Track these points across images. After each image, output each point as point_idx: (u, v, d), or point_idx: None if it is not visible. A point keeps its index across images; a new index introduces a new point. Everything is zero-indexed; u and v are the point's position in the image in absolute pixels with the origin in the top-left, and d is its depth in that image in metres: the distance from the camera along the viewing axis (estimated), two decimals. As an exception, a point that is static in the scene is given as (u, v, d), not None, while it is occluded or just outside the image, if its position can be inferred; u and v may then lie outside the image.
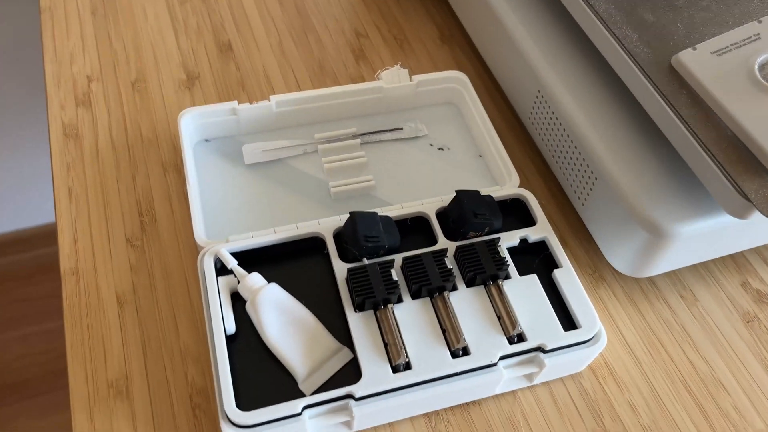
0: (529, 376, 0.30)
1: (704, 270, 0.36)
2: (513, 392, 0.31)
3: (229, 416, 0.26)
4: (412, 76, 0.39)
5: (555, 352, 0.29)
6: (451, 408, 0.31)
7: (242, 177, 0.36)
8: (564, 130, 0.35)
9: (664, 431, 0.31)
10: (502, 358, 0.29)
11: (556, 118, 0.36)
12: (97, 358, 0.31)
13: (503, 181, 0.36)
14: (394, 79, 0.39)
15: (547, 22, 0.39)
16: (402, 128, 0.39)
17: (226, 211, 0.35)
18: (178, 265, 0.34)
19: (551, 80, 0.36)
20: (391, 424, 0.30)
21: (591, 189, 0.34)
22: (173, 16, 0.46)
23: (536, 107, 0.38)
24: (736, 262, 0.37)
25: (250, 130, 0.38)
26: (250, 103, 0.37)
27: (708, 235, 0.31)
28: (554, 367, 0.30)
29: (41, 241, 1.23)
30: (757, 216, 0.28)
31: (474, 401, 0.31)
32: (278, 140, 0.38)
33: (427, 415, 0.30)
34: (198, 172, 0.36)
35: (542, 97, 0.37)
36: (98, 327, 0.32)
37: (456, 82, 0.40)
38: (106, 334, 0.32)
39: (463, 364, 0.28)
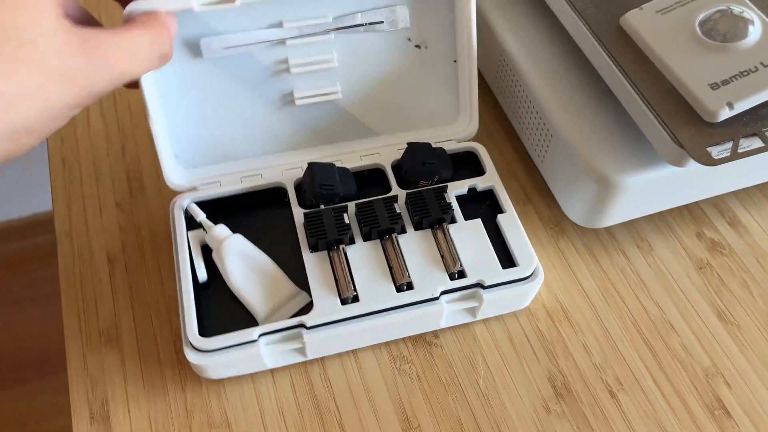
0: (472, 311, 0.33)
1: (661, 221, 0.38)
2: (471, 333, 0.33)
3: (191, 341, 0.29)
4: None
5: (494, 288, 0.32)
6: (412, 342, 0.33)
7: (203, 76, 0.33)
8: (523, 91, 0.37)
9: (615, 368, 0.33)
10: (444, 292, 0.31)
11: (517, 81, 0.38)
12: (90, 309, 0.34)
13: (465, 111, 0.37)
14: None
15: (510, -11, 0.40)
16: (382, 21, 0.36)
17: (192, 131, 0.34)
18: (164, 226, 0.37)
19: (512, 47, 0.38)
20: (355, 354, 0.32)
21: (548, 146, 0.36)
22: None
23: (499, 72, 0.40)
24: (692, 213, 0.38)
25: (211, 20, 0.32)
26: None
27: (654, 185, 0.33)
28: (494, 301, 0.32)
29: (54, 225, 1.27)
30: (692, 164, 0.30)
31: (435, 339, 0.33)
32: (242, 32, 0.33)
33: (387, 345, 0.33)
34: (156, 84, 0.32)
35: (504, 61, 0.39)
36: (90, 282, 0.35)
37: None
38: (98, 288, 0.34)
39: (406, 297, 0.31)
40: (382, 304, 0.30)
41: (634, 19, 0.33)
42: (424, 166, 0.34)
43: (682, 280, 0.36)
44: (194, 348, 0.29)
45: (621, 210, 0.34)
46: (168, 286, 0.34)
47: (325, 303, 0.30)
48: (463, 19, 0.35)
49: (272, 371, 0.32)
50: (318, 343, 0.30)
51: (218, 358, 0.29)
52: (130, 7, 0.27)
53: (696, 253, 0.37)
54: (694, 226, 0.38)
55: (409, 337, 0.33)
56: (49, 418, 1.10)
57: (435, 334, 0.33)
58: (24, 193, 1.24)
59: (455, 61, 0.37)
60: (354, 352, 0.33)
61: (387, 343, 0.33)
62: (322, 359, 0.33)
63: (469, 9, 0.35)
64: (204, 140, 0.35)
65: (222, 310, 0.31)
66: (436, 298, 0.31)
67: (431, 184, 0.35)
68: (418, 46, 0.36)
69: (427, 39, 0.36)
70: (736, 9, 0.32)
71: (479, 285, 0.31)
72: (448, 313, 0.32)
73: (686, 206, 0.38)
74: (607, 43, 0.33)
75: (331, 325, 0.30)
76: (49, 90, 0.23)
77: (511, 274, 0.31)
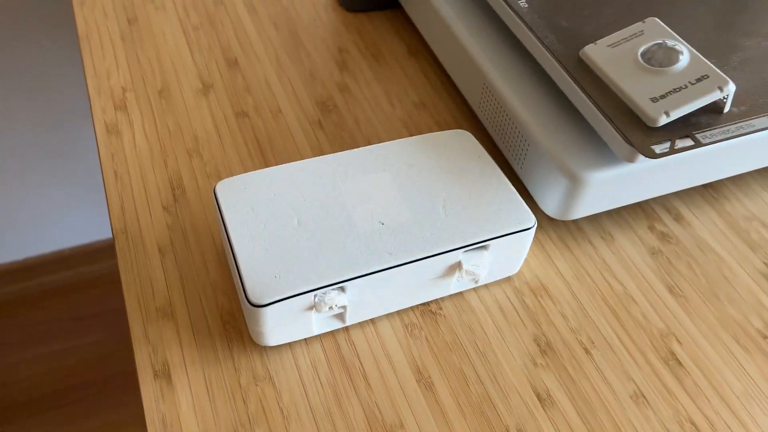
0: (475, 274, 0.39)
1: (619, 217, 0.46)
2: (469, 306, 0.40)
3: (249, 297, 0.35)
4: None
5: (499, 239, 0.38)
6: (420, 312, 0.40)
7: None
8: (503, 111, 0.45)
9: (588, 331, 0.40)
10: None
11: (498, 103, 0.46)
12: (146, 291, 0.40)
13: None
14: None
15: (489, 31, 0.49)
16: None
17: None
18: (205, 225, 0.43)
19: (493, 75, 0.46)
20: (373, 323, 0.39)
21: (526, 154, 0.44)
22: (188, 39, 0.56)
23: (483, 97, 0.48)
24: (644, 210, 0.46)
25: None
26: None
27: (614, 181, 0.41)
28: (497, 253, 0.39)
29: (46, 268, 1.31)
30: (641, 160, 0.38)
31: (439, 310, 0.40)
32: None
33: (399, 315, 0.39)
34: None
35: (487, 88, 0.47)
36: (145, 270, 0.41)
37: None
38: (152, 274, 0.40)
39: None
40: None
41: (590, 52, 0.42)
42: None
43: (639, 264, 0.43)
44: (252, 304, 0.35)
45: (587, 203, 0.42)
46: (213, 273, 0.41)
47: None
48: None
49: (306, 340, 0.38)
50: (358, 293, 0.36)
51: (275, 310, 0.35)
52: None
53: (649, 242, 0.45)
54: (647, 221, 0.46)
55: (417, 307, 0.40)
56: (37, 458, 1.11)
57: (438, 305, 0.40)
58: (10, 239, 1.27)
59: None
60: (373, 321, 0.39)
61: (399, 314, 0.40)
62: (346, 328, 0.39)
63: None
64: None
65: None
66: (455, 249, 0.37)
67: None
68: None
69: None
70: (670, 43, 0.41)
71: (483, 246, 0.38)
72: (456, 278, 0.39)
73: (639, 205, 0.46)
74: (571, 71, 0.41)
75: (368, 277, 0.36)
76: None
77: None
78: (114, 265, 1.33)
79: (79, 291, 1.29)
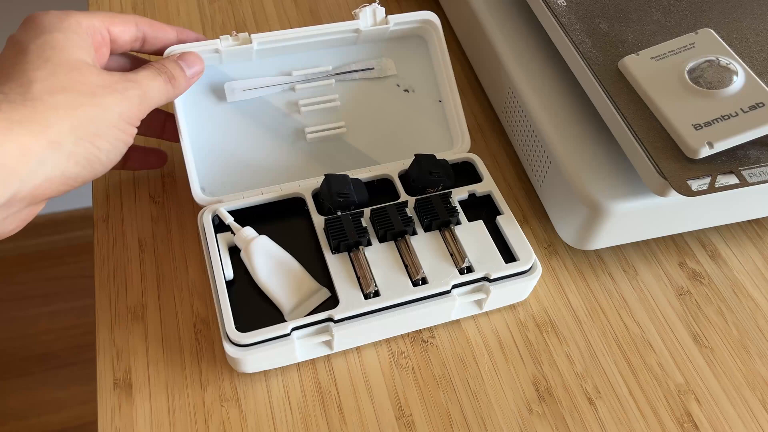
0: (479, 303, 0.36)
1: (647, 249, 0.41)
2: (464, 335, 0.36)
3: (230, 337, 0.32)
4: (388, 17, 0.41)
5: (499, 282, 0.35)
6: (410, 339, 0.36)
7: (226, 116, 0.40)
8: (528, 122, 0.41)
9: (594, 378, 0.36)
10: (455, 286, 0.35)
11: (521, 111, 0.41)
12: (119, 288, 0.37)
13: (457, 137, 0.42)
14: (370, 19, 0.41)
15: (522, 30, 0.44)
16: (373, 68, 0.42)
17: (217, 162, 0.39)
18: (191, 219, 0.40)
19: (520, 80, 0.42)
20: (358, 349, 0.35)
21: (546, 172, 0.39)
22: (202, 13, 0.52)
23: (507, 103, 0.43)
24: (677, 244, 0.41)
25: (231, 70, 0.40)
26: (231, 36, 0.38)
27: (640, 213, 0.36)
28: (499, 294, 0.36)
29: (74, 224, 1.31)
30: (675, 195, 0.33)
31: (431, 339, 0.36)
32: (258, 78, 0.40)
33: (387, 341, 0.36)
34: (187, 121, 0.39)
35: (512, 93, 0.42)
36: (122, 264, 0.38)
37: (428, 24, 0.42)
38: (128, 270, 0.38)
39: (422, 291, 0.34)
40: (401, 297, 0.34)
41: (630, 64, 0.37)
42: (431, 175, 0.38)
43: (663, 304, 0.39)
44: (233, 342, 0.32)
45: (609, 234, 0.37)
46: (192, 274, 0.38)
47: (350, 298, 0.34)
48: (441, 67, 0.42)
49: (281, 356, 0.35)
50: (344, 336, 0.34)
51: (255, 350, 0.32)
52: (168, 50, 0.36)
53: (677, 281, 0.40)
54: (678, 256, 0.41)
55: (407, 334, 0.36)
56: (50, 411, 1.12)
57: (431, 333, 0.37)
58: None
59: (440, 101, 0.43)
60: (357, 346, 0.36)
61: (387, 339, 0.36)
62: (327, 349, 0.36)
63: (445, 58, 0.42)
64: (227, 173, 0.39)
65: (250, 306, 0.34)
66: (449, 291, 0.35)
67: (437, 191, 0.38)
68: (406, 90, 0.43)
69: (413, 84, 0.43)
70: (723, 60, 0.35)
71: (486, 279, 0.35)
72: (458, 305, 0.35)
73: (671, 237, 0.42)
74: (606, 83, 0.37)
75: (356, 319, 0.33)
76: (103, 98, 0.30)
77: (513, 267, 0.35)
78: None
79: (104, 249, 1.30)
